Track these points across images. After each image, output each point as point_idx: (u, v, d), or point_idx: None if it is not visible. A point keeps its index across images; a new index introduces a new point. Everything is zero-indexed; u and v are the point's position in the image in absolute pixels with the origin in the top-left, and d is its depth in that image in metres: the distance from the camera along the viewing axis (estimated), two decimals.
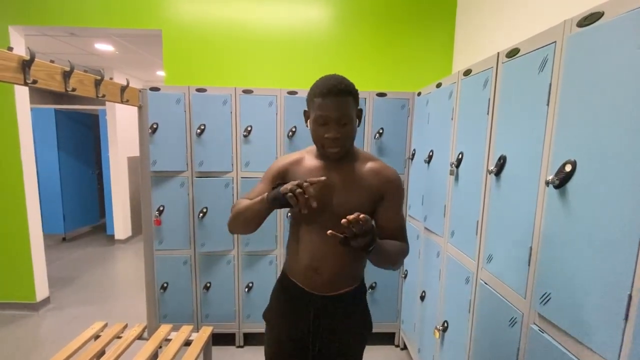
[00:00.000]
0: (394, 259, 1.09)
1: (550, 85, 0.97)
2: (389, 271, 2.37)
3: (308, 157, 1.16)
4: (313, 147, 1.18)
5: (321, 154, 1.13)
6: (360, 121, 1.10)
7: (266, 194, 1.02)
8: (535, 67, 1.04)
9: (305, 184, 0.91)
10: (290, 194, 0.91)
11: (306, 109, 1.11)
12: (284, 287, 1.22)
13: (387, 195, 1.11)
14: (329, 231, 0.90)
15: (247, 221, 1.07)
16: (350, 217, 0.86)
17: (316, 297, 1.14)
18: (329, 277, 1.12)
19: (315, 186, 0.91)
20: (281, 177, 1.14)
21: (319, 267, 1.11)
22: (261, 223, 1.08)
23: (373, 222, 0.97)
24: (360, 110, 1.10)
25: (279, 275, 1.28)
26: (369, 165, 1.13)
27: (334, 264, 1.11)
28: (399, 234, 1.13)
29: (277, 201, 0.98)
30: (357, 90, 1.07)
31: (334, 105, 1.01)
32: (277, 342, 1.20)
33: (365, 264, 1.24)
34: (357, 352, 1.24)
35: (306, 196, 0.90)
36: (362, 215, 0.86)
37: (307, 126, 1.12)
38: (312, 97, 1.05)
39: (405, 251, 1.13)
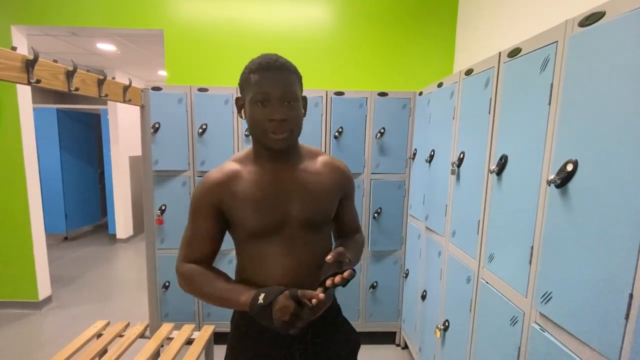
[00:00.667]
0: (359, 255, 1.03)
1: (552, 84, 0.98)
2: (390, 271, 2.38)
3: (243, 168, 0.91)
4: (246, 152, 0.96)
5: (260, 154, 0.91)
6: (305, 112, 0.93)
7: (247, 301, 0.80)
8: (536, 67, 1.04)
9: (305, 311, 0.76)
10: (282, 323, 0.75)
11: (238, 95, 0.92)
12: (253, 329, 0.91)
13: (346, 190, 1.02)
14: (327, 283, 0.79)
15: (210, 302, 0.90)
16: (331, 256, 0.81)
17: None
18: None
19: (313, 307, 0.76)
20: (216, 209, 0.90)
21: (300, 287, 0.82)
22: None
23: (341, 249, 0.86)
24: (305, 98, 0.94)
25: (231, 323, 0.99)
26: (320, 160, 0.98)
27: (314, 279, 0.86)
28: (357, 224, 1.10)
29: (263, 313, 0.78)
30: (300, 74, 0.91)
31: (276, 80, 0.84)
32: None
33: None
34: None
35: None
36: (339, 249, 0.83)
37: (241, 117, 0.92)
38: (248, 74, 0.86)
39: (362, 241, 1.09)
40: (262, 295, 0.79)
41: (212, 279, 0.90)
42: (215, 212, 0.91)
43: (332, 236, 1.07)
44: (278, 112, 0.83)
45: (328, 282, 0.79)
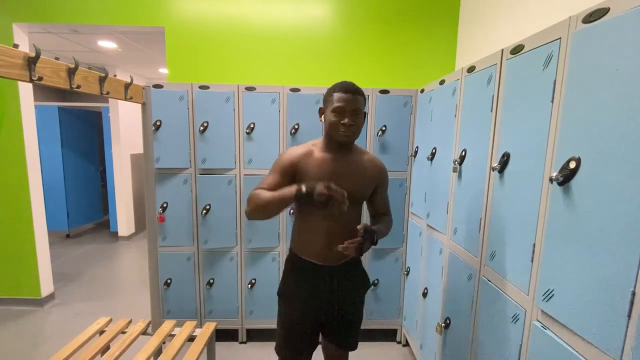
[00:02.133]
0: (387, 232, 1.41)
1: (555, 81, 0.97)
2: (391, 269, 2.39)
3: (316, 150, 1.33)
4: (318, 140, 1.37)
5: (328, 145, 1.32)
6: (364, 122, 1.33)
7: (293, 190, 1.15)
8: (539, 64, 1.04)
9: (336, 190, 1.11)
10: (323, 198, 1.10)
11: (321, 106, 1.34)
12: (299, 267, 1.37)
13: (382, 182, 1.40)
14: (340, 246, 1.19)
15: (269, 212, 1.23)
16: (361, 226, 1.20)
17: (331, 268, 1.34)
18: (339, 251, 1.26)
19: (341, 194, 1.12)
20: (293, 169, 1.29)
21: (333, 245, 1.26)
22: (280, 213, 1.30)
23: (369, 225, 1.26)
24: (365, 113, 1.36)
25: (286, 260, 1.45)
26: (366, 157, 1.39)
27: (344, 240, 1.23)
28: (388, 209, 1.47)
29: (303, 199, 1.14)
30: (365, 96, 1.32)
31: (352, 99, 1.24)
32: (295, 311, 1.38)
33: None
34: (363, 304, 1.50)
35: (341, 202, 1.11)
36: (360, 226, 1.19)
37: (321, 120, 1.34)
38: (332, 92, 1.26)
39: (390, 221, 1.46)
40: (304, 185, 1.15)
41: (268, 192, 1.23)
42: (288, 170, 1.29)
43: (369, 215, 1.50)
44: (349, 119, 1.24)
45: (339, 247, 1.19)
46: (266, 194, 1.20)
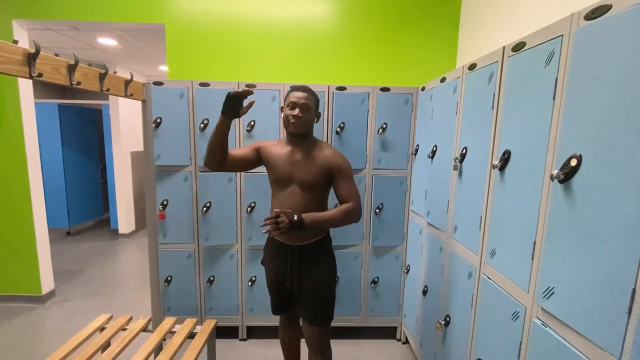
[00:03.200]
0: (341, 218, 1.50)
1: (557, 79, 0.97)
2: (391, 266, 2.39)
3: (281, 143, 1.62)
4: (283, 138, 1.66)
5: (289, 139, 1.58)
6: (318, 119, 1.60)
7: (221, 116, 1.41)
8: (541, 61, 1.03)
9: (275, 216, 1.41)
10: (235, 95, 1.36)
11: (282, 105, 1.58)
12: (270, 242, 1.68)
13: (338, 171, 1.54)
14: (264, 231, 1.47)
15: (211, 144, 1.46)
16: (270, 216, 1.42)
17: (291, 247, 1.58)
18: (296, 234, 1.52)
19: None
20: (258, 151, 1.61)
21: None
22: (226, 141, 1.47)
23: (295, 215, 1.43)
24: (319, 113, 1.61)
25: None
26: (326, 151, 1.57)
27: (287, 230, 1.42)
28: (350, 197, 1.53)
29: (227, 110, 1.38)
30: (318, 98, 1.59)
31: (302, 96, 1.50)
32: (270, 280, 1.70)
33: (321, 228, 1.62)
34: (325, 289, 1.62)
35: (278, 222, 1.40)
36: (276, 210, 1.43)
37: (282, 117, 1.60)
38: (288, 93, 1.54)
39: (349, 208, 1.51)
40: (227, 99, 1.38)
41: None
42: (255, 150, 1.61)
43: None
44: (297, 111, 1.50)
45: (261, 227, 1.56)
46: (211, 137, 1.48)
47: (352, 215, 1.52)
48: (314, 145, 1.58)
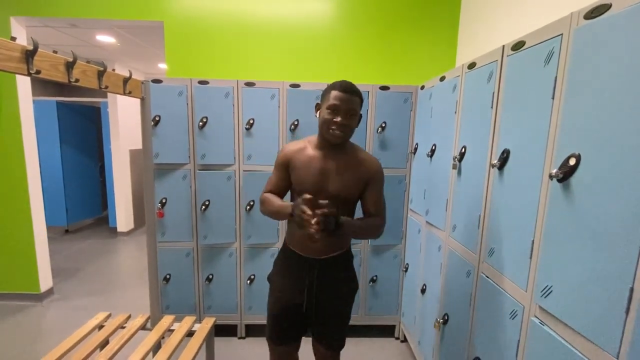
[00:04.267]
0: (368, 232, 1.36)
1: (556, 78, 0.97)
2: (390, 265, 2.39)
3: (309, 147, 1.37)
4: (314, 137, 1.39)
5: (321, 143, 1.34)
6: (358, 124, 1.34)
7: (288, 212, 1.24)
8: (540, 60, 1.03)
9: (306, 216, 1.14)
10: (298, 219, 1.16)
11: (318, 102, 1.33)
12: (286, 255, 1.45)
13: (372, 180, 1.35)
14: (312, 230, 1.14)
15: (276, 220, 1.47)
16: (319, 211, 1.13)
17: (313, 260, 1.37)
18: (321, 244, 1.35)
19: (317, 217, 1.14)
20: (287, 163, 1.37)
21: (314, 237, 1.25)
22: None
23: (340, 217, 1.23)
24: (361, 115, 1.34)
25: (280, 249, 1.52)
26: (360, 156, 1.37)
27: (326, 234, 1.23)
28: (378, 212, 1.37)
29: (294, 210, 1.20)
30: (363, 98, 1.31)
31: (348, 99, 1.24)
32: (278, 297, 1.44)
33: (350, 237, 1.48)
34: (348, 309, 1.46)
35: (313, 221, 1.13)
36: (324, 201, 1.14)
37: (316, 116, 1.32)
38: (330, 90, 1.26)
39: (377, 223, 1.36)
40: (293, 207, 1.21)
41: (274, 198, 1.36)
42: (285, 165, 1.38)
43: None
44: (342, 119, 1.25)
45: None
46: (273, 205, 1.33)
47: (378, 232, 1.36)
48: (349, 149, 1.36)
